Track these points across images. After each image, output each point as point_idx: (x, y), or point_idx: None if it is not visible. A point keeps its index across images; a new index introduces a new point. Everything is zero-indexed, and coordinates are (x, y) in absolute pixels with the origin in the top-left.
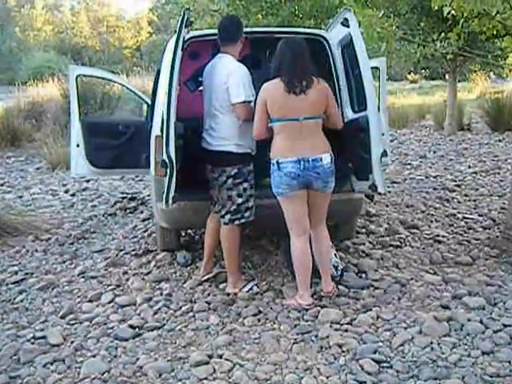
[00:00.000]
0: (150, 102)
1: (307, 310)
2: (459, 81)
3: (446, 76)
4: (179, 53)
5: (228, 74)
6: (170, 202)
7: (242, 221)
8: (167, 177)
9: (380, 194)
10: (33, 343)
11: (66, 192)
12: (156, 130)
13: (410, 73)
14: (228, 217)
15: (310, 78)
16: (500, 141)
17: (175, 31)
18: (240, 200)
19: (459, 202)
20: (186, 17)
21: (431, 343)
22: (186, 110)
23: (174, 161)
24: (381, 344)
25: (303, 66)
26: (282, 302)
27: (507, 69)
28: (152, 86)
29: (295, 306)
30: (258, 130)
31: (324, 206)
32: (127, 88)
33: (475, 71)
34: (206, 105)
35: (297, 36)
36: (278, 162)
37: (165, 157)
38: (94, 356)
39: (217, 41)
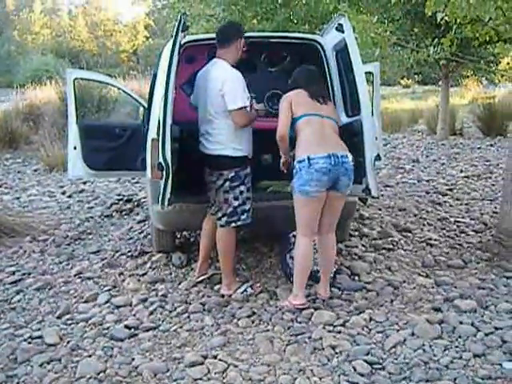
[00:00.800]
0: (146, 106)
1: (301, 311)
2: (451, 86)
3: (439, 81)
4: (176, 56)
5: (223, 81)
6: (166, 204)
7: (239, 223)
8: (163, 179)
9: (373, 197)
10: (30, 343)
11: (63, 194)
12: (152, 133)
13: (402, 78)
14: (225, 219)
15: (327, 96)
16: (492, 145)
17: (172, 35)
18: (237, 203)
19: (451, 206)
20: (182, 21)
21: (423, 345)
22: (182, 113)
23: (170, 163)
24: (373, 346)
25: (322, 86)
26: (276, 303)
27: (499, 74)
28: (148, 89)
29: (289, 308)
30: (282, 131)
31: (339, 209)
32: (124, 91)
33: (467, 77)
34: (200, 110)
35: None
36: (309, 158)
37: (161, 159)
38: (90, 356)
39: (212, 45)
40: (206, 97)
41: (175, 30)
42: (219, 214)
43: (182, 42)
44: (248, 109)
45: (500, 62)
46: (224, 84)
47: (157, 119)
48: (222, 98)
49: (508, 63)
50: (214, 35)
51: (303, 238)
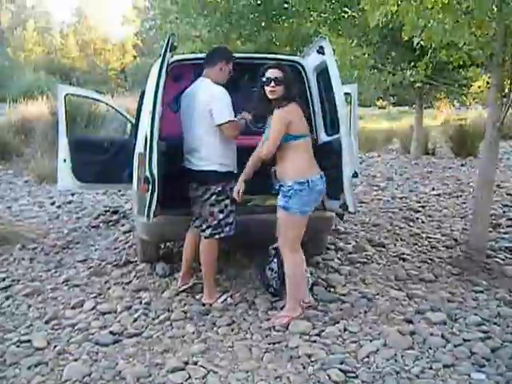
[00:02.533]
0: (133, 121)
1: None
2: (425, 108)
3: (413, 103)
4: (163, 75)
5: (210, 98)
6: (151, 216)
7: (222, 235)
8: (149, 192)
9: (350, 212)
10: (18, 346)
11: (52, 204)
12: (139, 148)
13: (379, 99)
14: (209, 231)
15: None
16: (463, 165)
17: (160, 55)
18: (221, 216)
19: (423, 223)
20: (170, 41)
21: (395, 355)
22: (168, 129)
23: (156, 177)
24: (347, 355)
25: None
26: (255, 313)
27: (471, 97)
28: (136, 106)
29: (288, 321)
30: (272, 149)
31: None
32: (112, 107)
33: (440, 99)
34: (186, 127)
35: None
36: (308, 181)
37: (147, 173)
38: (76, 360)
39: (198, 65)
40: (194, 114)
41: (163, 49)
42: (204, 226)
43: (170, 62)
44: (236, 122)
45: (472, 86)
46: (211, 100)
47: (144, 135)
48: (209, 114)
49: (479, 86)
50: (199, 55)
51: (296, 254)
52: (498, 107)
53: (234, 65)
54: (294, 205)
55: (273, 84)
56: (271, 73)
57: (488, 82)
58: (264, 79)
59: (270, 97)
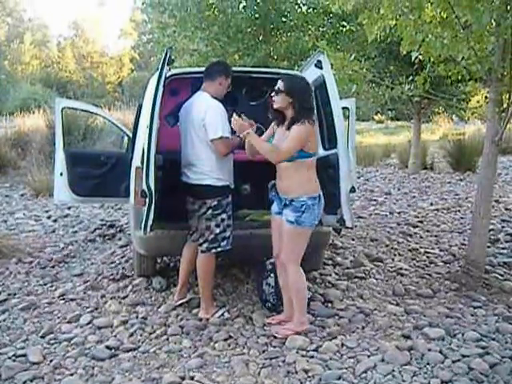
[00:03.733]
0: (130, 135)
1: (275, 336)
2: (423, 122)
3: (411, 117)
4: (161, 88)
5: (205, 111)
6: (148, 229)
7: (219, 249)
8: (146, 206)
9: (348, 227)
10: (14, 360)
11: (49, 218)
12: (136, 162)
13: (377, 113)
14: (206, 245)
15: None
16: (461, 180)
17: (157, 68)
18: (218, 230)
19: (421, 238)
20: (168, 55)
21: (393, 371)
22: (166, 143)
23: (153, 191)
24: (345, 370)
25: None
26: (252, 328)
27: (469, 112)
28: (133, 119)
29: (289, 334)
30: (285, 158)
31: None
32: (109, 121)
33: (439, 113)
34: (183, 141)
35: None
36: (320, 196)
37: (144, 187)
38: (72, 374)
39: (196, 79)
40: (190, 128)
41: (161, 63)
42: (201, 241)
43: (167, 75)
44: (229, 140)
45: (470, 100)
46: (206, 114)
47: (141, 148)
48: (204, 128)
49: (478, 101)
50: (197, 69)
51: (299, 267)
52: (496, 122)
53: (232, 79)
54: (307, 219)
55: (273, 94)
56: (277, 84)
57: (486, 97)
58: None
59: (274, 106)
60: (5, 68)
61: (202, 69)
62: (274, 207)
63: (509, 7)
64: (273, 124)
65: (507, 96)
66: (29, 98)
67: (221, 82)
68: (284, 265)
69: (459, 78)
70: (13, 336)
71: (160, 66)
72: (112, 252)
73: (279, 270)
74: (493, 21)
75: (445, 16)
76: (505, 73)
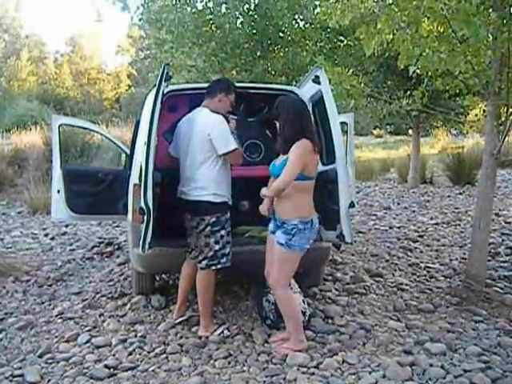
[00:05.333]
0: (128, 152)
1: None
2: (422, 136)
3: (410, 131)
4: (158, 105)
5: (211, 126)
6: (147, 247)
7: (219, 266)
8: (144, 223)
9: (347, 243)
10: (11, 381)
11: (46, 236)
12: (134, 179)
13: (375, 128)
14: (205, 262)
15: None
16: (460, 194)
17: (155, 85)
18: (217, 246)
19: (421, 252)
20: (165, 71)
21: None
22: (163, 160)
23: (151, 208)
24: None
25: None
26: (252, 346)
27: (468, 125)
28: (131, 136)
29: (287, 353)
30: (290, 181)
31: None
32: (107, 138)
33: (437, 127)
34: (182, 158)
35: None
36: (312, 221)
37: (142, 204)
38: None
39: (194, 95)
40: (191, 143)
41: (159, 79)
42: (200, 258)
43: (165, 92)
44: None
45: (469, 114)
46: (212, 129)
47: (139, 165)
48: (210, 143)
49: (476, 115)
50: (195, 85)
51: (288, 289)
52: (494, 135)
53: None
54: (297, 242)
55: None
56: None
57: (484, 111)
58: None
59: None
60: (1, 85)
61: (200, 85)
62: (271, 226)
63: (505, 21)
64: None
65: (505, 109)
66: (25, 114)
67: (220, 99)
68: (272, 287)
69: (457, 91)
70: (10, 356)
71: (157, 83)
72: (110, 270)
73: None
74: (489, 35)
75: (442, 30)
76: (502, 86)
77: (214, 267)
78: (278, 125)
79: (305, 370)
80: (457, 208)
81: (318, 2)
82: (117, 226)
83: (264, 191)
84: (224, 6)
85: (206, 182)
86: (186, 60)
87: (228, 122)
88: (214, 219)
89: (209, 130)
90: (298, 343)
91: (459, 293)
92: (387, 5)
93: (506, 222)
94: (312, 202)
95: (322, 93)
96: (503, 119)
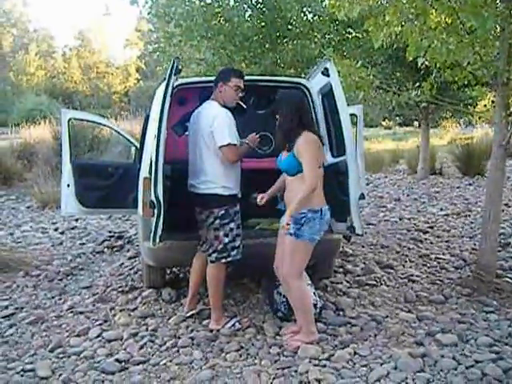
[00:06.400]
0: (137, 145)
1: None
2: (431, 127)
3: (419, 123)
4: (168, 99)
5: (213, 118)
6: (158, 241)
7: (229, 259)
8: (155, 217)
9: (358, 235)
10: (22, 376)
11: (56, 230)
12: (144, 172)
13: (384, 119)
14: (215, 255)
15: None
16: (470, 184)
17: (165, 78)
18: (227, 239)
19: (432, 243)
20: (175, 65)
21: (406, 378)
22: (173, 153)
23: (162, 201)
24: (358, 379)
25: None
26: (264, 338)
27: (477, 116)
28: (140, 129)
29: (299, 345)
30: (317, 180)
31: None
32: (116, 131)
33: (446, 118)
34: (191, 149)
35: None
36: (321, 210)
37: (153, 197)
38: None
39: (203, 88)
40: (199, 136)
41: (168, 72)
42: (210, 251)
43: (175, 85)
44: (237, 146)
45: (477, 105)
46: (214, 121)
47: (149, 158)
48: (211, 136)
49: (485, 105)
50: (204, 78)
51: (301, 281)
52: (503, 126)
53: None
54: (306, 232)
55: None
56: None
57: (493, 101)
58: None
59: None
60: (10, 79)
61: (209, 78)
62: (282, 218)
63: None
64: (253, 137)
65: None
66: (34, 108)
67: (221, 89)
68: (285, 279)
69: (465, 82)
70: (21, 351)
71: (167, 76)
72: (120, 264)
73: (280, 281)
74: (497, 26)
75: (450, 22)
76: (510, 77)
77: (223, 260)
78: (278, 119)
79: (316, 362)
80: (466, 199)
81: None
82: (127, 220)
83: (287, 220)
84: None
85: (215, 175)
86: (195, 53)
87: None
88: (222, 212)
89: (211, 123)
90: (310, 335)
91: (470, 284)
92: None
93: None
94: (322, 192)
95: (332, 85)
96: None
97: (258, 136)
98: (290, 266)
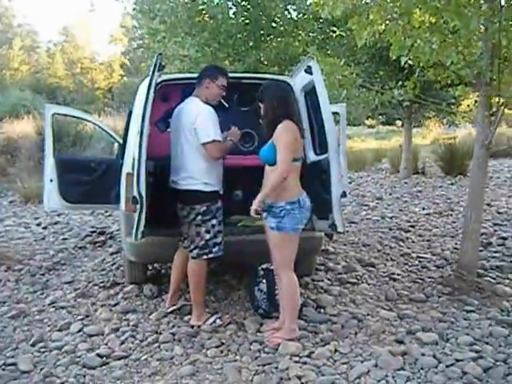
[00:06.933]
0: (120, 141)
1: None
2: (414, 127)
3: (402, 122)
4: (151, 94)
5: (196, 115)
6: (140, 236)
7: (210, 256)
8: (137, 212)
9: (339, 232)
10: (4, 369)
11: (38, 225)
12: (127, 168)
13: (367, 118)
14: (196, 251)
15: None
16: (452, 184)
17: (148, 74)
18: (208, 236)
19: (413, 242)
20: (158, 61)
21: (386, 376)
22: (156, 149)
23: (144, 197)
24: (338, 376)
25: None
26: (244, 335)
27: (460, 116)
28: (124, 125)
29: (280, 342)
30: (289, 168)
31: None
32: (99, 127)
33: (429, 118)
34: (173, 146)
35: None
36: (300, 200)
37: (135, 193)
38: (63, 383)
39: (186, 84)
40: (180, 132)
41: (151, 69)
42: (191, 247)
43: (158, 81)
44: (221, 142)
45: (460, 104)
46: (197, 118)
47: (132, 154)
48: (194, 132)
49: (468, 105)
50: (188, 75)
51: (293, 273)
52: (486, 125)
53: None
54: (287, 224)
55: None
56: None
57: (476, 101)
58: None
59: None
60: None
61: (193, 75)
62: (265, 214)
63: (496, 12)
64: (234, 130)
65: (496, 100)
66: (18, 103)
67: (207, 86)
68: (278, 274)
69: (449, 82)
70: (2, 345)
71: (150, 72)
72: (102, 259)
73: (277, 277)
74: (481, 25)
75: (433, 21)
76: (493, 77)
77: (205, 256)
78: (262, 108)
79: (297, 359)
80: (449, 198)
81: None
82: (109, 216)
83: (255, 205)
84: None
85: (196, 172)
86: (179, 50)
87: (229, 129)
88: (204, 208)
89: (194, 120)
90: (291, 332)
91: (451, 283)
92: None
93: (497, 212)
94: (299, 182)
95: (315, 83)
96: (494, 109)
97: (238, 130)
98: (280, 259)
